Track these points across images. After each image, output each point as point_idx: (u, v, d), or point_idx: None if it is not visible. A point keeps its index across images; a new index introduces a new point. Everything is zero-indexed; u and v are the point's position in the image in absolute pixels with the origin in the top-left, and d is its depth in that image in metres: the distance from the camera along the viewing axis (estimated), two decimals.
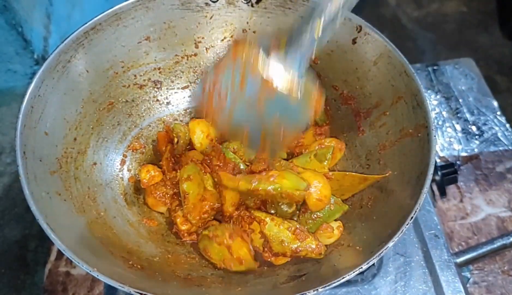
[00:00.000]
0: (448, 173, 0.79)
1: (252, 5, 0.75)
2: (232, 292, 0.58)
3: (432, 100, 1.06)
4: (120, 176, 0.72)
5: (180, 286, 0.56)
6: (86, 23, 0.65)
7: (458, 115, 1.04)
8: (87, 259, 0.50)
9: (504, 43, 1.90)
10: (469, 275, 0.81)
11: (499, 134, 1.00)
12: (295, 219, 0.65)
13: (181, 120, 0.80)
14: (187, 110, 0.80)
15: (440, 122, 1.03)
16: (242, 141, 0.64)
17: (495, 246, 0.76)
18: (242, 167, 0.67)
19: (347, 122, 0.74)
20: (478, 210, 0.90)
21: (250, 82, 0.51)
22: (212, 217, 0.66)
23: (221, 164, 0.66)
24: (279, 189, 0.58)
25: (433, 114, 1.03)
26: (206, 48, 0.79)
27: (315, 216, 0.63)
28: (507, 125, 1.02)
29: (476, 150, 0.98)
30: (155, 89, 0.77)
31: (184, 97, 0.80)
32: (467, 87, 1.08)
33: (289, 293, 0.54)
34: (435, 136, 0.60)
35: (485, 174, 0.95)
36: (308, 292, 0.48)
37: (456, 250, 0.80)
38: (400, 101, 0.66)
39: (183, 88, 0.80)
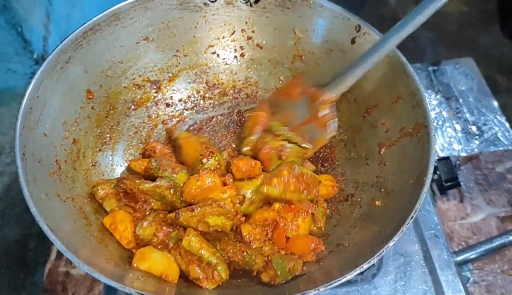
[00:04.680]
0: (452, 186, 0.79)
1: (251, 5, 0.75)
2: (232, 292, 0.58)
3: (432, 100, 1.06)
4: (120, 176, 0.72)
5: (180, 286, 0.56)
6: (84, 23, 0.65)
7: (458, 115, 1.04)
8: (87, 259, 0.50)
9: (505, 42, 1.89)
10: (469, 275, 0.80)
11: (499, 134, 1.00)
12: None
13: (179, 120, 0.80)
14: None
15: (440, 122, 1.03)
16: None
17: (494, 245, 0.75)
18: None
19: (347, 122, 0.74)
20: (478, 210, 0.90)
21: None
22: None
23: None
24: None
25: (433, 114, 1.03)
26: (205, 48, 0.79)
27: None
28: (507, 125, 1.02)
29: (476, 150, 0.98)
30: (154, 89, 0.77)
31: (183, 97, 0.80)
32: (467, 87, 1.08)
33: (289, 293, 0.54)
34: (434, 135, 0.60)
35: (485, 174, 0.95)
36: (309, 292, 0.48)
37: (456, 249, 0.80)
38: (399, 101, 0.66)
39: (182, 88, 0.80)
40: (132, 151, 0.74)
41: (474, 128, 1.01)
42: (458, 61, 1.13)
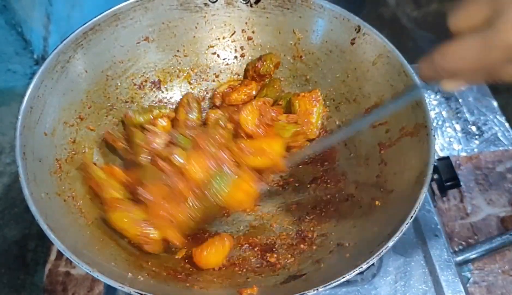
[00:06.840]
0: (452, 186, 0.79)
1: (251, 6, 0.75)
2: (232, 292, 0.58)
3: (432, 100, 1.06)
4: None
5: (180, 286, 0.56)
6: (85, 23, 0.65)
7: (458, 115, 1.04)
8: (87, 259, 0.50)
9: None
10: (469, 275, 0.80)
11: (499, 134, 1.00)
12: None
13: None
14: None
15: (440, 122, 1.03)
16: None
17: (494, 245, 0.75)
18: None
19: (347, 122, 0.74)
20: (478, 210, 0.90)
21: None
22: None
23: None
24: None
25: (432, 114, 1.03)
26: (205, 49, 0.79)
27: None
28: (507, 125, 1.02)
29: (476, 150, 0.98)
30: (154, 89, 0.77)
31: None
32: (467, 87, 1.08)
33: (289, 293, 0.54)
34: (434, 135, 0.60)
35: (485, 174, 0.95)
36: (308, 292, 0.48)
37: (456, 249, 0.80)
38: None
39: (183, 88, 0.80)
40: None
41: (474, 128, 1.01)
42: None
